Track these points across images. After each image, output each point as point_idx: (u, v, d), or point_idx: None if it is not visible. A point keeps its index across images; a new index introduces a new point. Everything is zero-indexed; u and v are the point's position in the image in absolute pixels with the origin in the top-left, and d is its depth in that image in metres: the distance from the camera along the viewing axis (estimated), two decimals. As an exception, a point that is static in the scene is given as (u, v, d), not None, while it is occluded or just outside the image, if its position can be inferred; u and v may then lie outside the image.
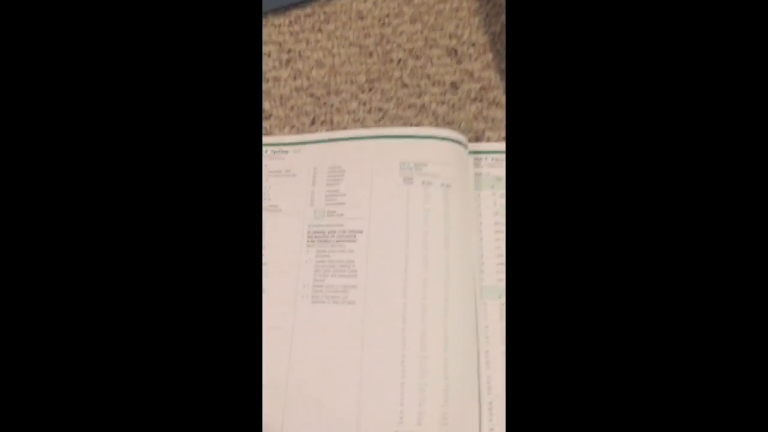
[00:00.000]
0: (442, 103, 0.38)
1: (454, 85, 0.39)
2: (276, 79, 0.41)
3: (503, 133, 0.37)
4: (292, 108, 0.39)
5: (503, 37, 0.39)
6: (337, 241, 0.34)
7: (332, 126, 0.38)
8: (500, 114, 0.37)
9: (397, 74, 0.40)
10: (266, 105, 0.40)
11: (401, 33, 0.41)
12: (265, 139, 0.38)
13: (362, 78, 0.40)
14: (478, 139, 0.37)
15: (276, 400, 0.30)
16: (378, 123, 0.38)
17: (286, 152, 0.37)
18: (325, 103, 0.39)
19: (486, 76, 0.39)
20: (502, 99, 0.38)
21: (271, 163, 0.37)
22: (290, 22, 0.42)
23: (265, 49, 0.42)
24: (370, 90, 0.39)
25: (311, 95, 0.40)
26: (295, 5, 0.43)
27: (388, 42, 0.41)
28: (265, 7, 0.42)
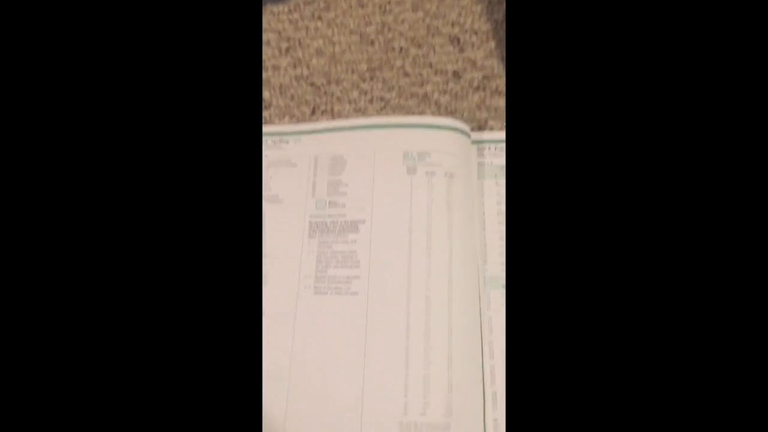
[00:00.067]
0: (445, 92, 0.38)
1: (457, 74, 0.38)
2: (275, 67, 0.40)
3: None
4: (292, 97, 0.39)
5: (506, 24, 0.39)
6: (339, 232, 0.33)
7: (333, 116, 0.38)
8: (503, 103, 0.37)
9: (398, 63, 0.39)
10: (266, 94, 0.39)
11: (403, 21, 0.40)
12: (265, 129, 0.37)
13: (363, 67, 0.39)
14: (480, 128, 0.36)
15: (279, 392, 0.30)
16: (380, 112, 0.38)
17: (287, 142, 0.37)
18: (325, 93, 0.39)
19: (489, 65, 0.38)
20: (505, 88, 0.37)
21: (271, 152, 0.36)
22: (289, 10, 0.42)
23: (264, 37, 0.41)
24: (372, 79, 0.39)
25: (311, 84, 0.39)
26: (294, -8, 0.42)
27: (389, 30, 0.40)
28: (264, -6, 0.41)
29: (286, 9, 0.42)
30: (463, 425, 0.29)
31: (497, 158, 0.35)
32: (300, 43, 0.41)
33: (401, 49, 0.40)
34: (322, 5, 0.42)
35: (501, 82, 0.37)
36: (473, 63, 0.38)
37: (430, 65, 0.39)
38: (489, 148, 0.35)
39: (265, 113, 0.38)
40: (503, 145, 0.35)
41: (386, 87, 0.38)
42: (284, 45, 0.41)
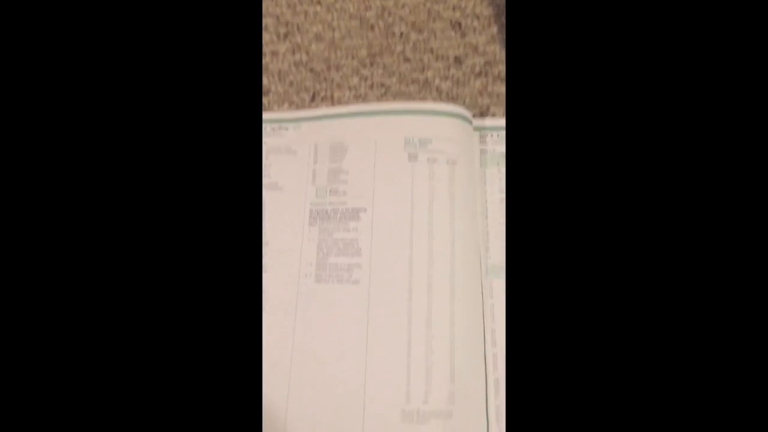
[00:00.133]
0: (446, 78, 0.37)
1: (458, 60, 0.38)
2: (274, 53, 0.39)
3: (508, 109, 0.36)
4: (291, 83, 0.38)
5: (508, 9, 0.38)
6: (340, 220, 0.33)
7: (333, 102, 0.37)
8: (505, 89, 0.36)
9: (399, 48, 0.38)
10: (264, 80, 0.39)
11: (403, 5, 0.40)
12: (265, 115, 0.37)
13: (363, 52, 0.39)
14: (482, 114, 0.36)
15: (280, 380, 0.30)
16: (380, 99, 0.37)
17: (287, 129, 0.36)
18: (325, 79, 0.38)
19: (491, 50, 0.38)
20: (507, 74, 0.37)
21: (270, 140, 0.36)
22: (288, -6, 0.41)
23: (261, 22, 0.40)
24: (372, 65, 0.38)
25: (311, 70, 0.39)
26: (292, -24, 0.41)
27: (389, 15, 0.40)
28: (261, -22, 0.40)
29: (284, -7, 0.41)
30: (465, 413, 0.29)
31: (499, 146, 0.35)
32: (299, 28, 0.40)
33: (402, 34, 0.39)
34: (321, -11, 0.41)
35: (503, 68, 0.37)
36: (475, 48, 0.38)
37: (431, 51, 0.38)
38: (491, 135, 0.35)
39: (264, 100, 0.38)
40: (505, 132, 0.35)
41: (387, 73, 0.38)
42: (283, 30, 0.40)
